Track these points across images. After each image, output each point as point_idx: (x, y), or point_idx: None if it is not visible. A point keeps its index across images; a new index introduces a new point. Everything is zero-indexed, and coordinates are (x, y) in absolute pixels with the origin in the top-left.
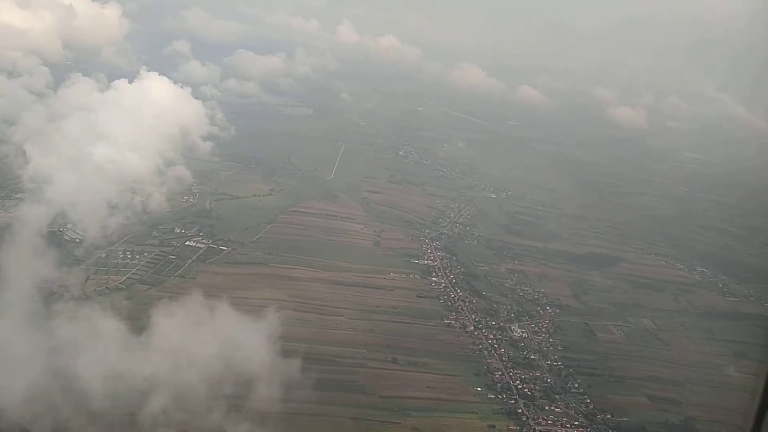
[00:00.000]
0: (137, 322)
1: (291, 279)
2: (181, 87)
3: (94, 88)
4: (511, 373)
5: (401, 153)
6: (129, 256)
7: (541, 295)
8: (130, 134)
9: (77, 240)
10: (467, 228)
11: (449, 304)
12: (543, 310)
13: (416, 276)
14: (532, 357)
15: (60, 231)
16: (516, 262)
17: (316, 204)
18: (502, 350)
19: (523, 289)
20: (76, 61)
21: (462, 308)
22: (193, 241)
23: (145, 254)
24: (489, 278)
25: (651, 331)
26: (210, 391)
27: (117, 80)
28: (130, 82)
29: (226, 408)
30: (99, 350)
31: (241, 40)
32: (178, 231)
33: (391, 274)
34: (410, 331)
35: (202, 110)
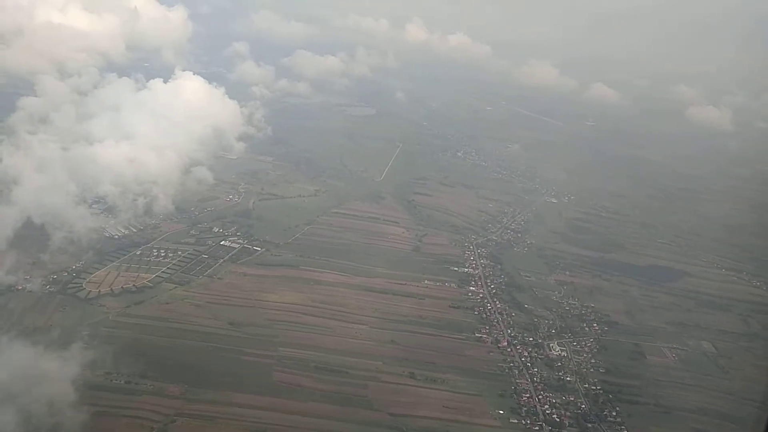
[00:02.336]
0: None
1: (318, 283)
2: (216, 87)
3: (132, 88)
4: (540, 396)
5: (460, 154)
6: (162, 254)
7: (589, 311)
8: (165, 133)
9: (116, 237)
10: (519, 234)
11: (484, 316)
12: (589, 327)
13: (453, 285)
14: (568, 379)
15: (101, 228)
16: (567, 272)
17: (359, 205)
18: (535, 370)
19: (569, 303)
20: (138, 61)
21: (497, 321)
22: (229, 241)
23: (179, 252)
24: (534, 290)
25: (710, 356)
26: None
27: (152, 80)
28: (165, 82)
29: None
30: None
31: (306, 41)
32: (216, 230)
33: (426, 281)
34: (435, 343)
35: (237, 110)
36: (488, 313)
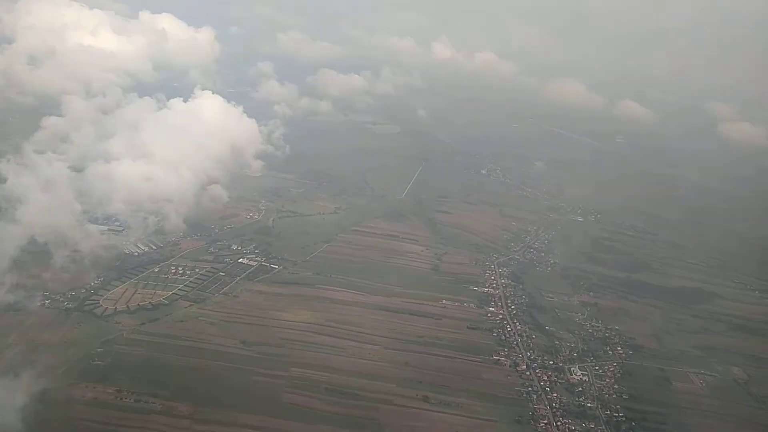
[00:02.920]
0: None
1: (333, 302)
2: (235, 105)
3: (152, 107)
4: (559, 423)
5: (484, 171)
6: (180, 272)
7: (613, 333)
8: (183, 151)
9: (135, 254)
10: (542, 254)
11: (503, 338)
12: (612, 351)
13: (471, 305)
14: (589, 405)
15: (121, 245)
16: (591, 293)
17: (379, 223)
18: (555, 395)
19: (593, 326)
20: (166, 81)
21: (517, 344)
22: (246, 259)
23: (197, 270)
24: (556, 311)
25: (741, 384)
26: None
27: (172, 99)
28: (185, 101)
29: None
30: None
31: (332, 60)
32: (235, 247)
33: (444, 301)
34: (451, 366)
35: (256, 128)
36: (507, 335)
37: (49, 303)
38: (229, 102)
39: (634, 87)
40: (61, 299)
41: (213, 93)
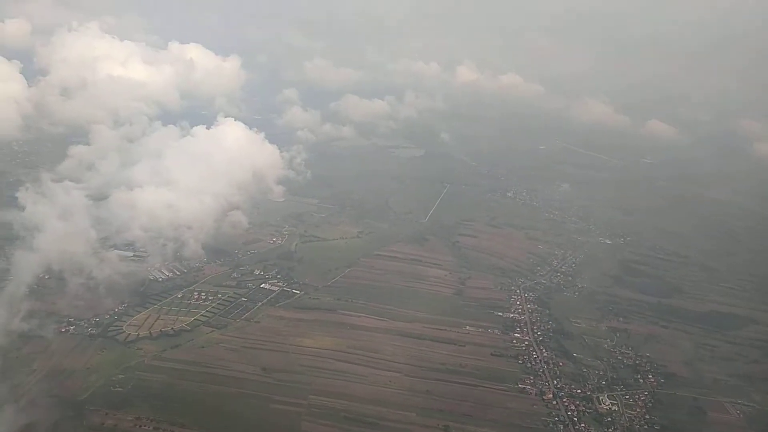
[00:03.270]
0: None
1: (354, 327)
2: (257, 132)
3: (176, 135)
4: None
5: (509, 194)
6: (203, 297)
7: (644, 361)
8: (204, 178)
9: (159, 279)
10: (569, 278)
11: (529, 365)
12: (643, 379)
13: (496, 331)
14: None
15: (147, 271)
16: (621, 319)
17: (402, 247)
18: (582, 425)
19: (623, 352)
20: (193, 109)
21: (543, 371)
22: (269, 284)
23: (219, 295)
24: (584, 337)
25: None
26: None
27: (195, 127)
28: (208, 128)
29: None
30: None
31: (356, 86)
32: (258, 273)
33: (467, 327)
34: (474, 394)
35: (278, 154)
36: (533, 362)
37: (73, 329)
38: (252, 128)
39: (663, 106)
40: (85, 325)
41: (236, 120)
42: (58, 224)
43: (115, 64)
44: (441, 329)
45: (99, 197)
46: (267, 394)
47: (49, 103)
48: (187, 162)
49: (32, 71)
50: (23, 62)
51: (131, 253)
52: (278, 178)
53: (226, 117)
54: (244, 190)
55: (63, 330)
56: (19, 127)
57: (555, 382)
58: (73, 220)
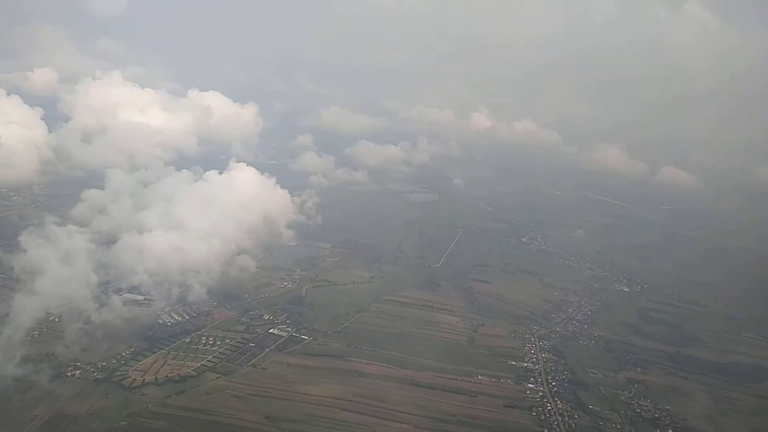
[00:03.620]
0: None
1: (362, 375)
2: (268, 177)
3: (189, 179)
4: None
5: (524, 239)
6: (210, 342)
7: (663, 414)
8: (214, 222)
9: (168, 324)
10: (585, 326)
11: (543, 417)
12: None
13: (509, 381)
14: None
15: (156, 315)
16: (639, 369)
17: (414, 293)
18: None
19: (641, 405)
20: (209, 154)
21: (558, 424)
22: (277, 329)
23: (227, 341)
24: (600, 388)
25: None
26: None
27: (207, 171)
28: (220, 173)
29: None
30: None
31: (371, 132)
32: (267, 317)
33: (479, 376)
34: None
35: (288, 198)
36: (548, 414)
37: (79, 374)
38: (264, 173)
39: (676, 151)
40: (91, 369)
41: (247, 165)
42: (63, 268)
43: (135, 110)
44: (452, 378)
45: (109, 241)
46: None
47: (69, 148)
48: (197, 206)
49: (56, 117)
50: (49, 109)
51: (141, 297)
52: (289, 223)
53: (238, 162)
54: (254, 235)
55: (69, 374)
56: (38, 172)
57: None
58: (78, 263)
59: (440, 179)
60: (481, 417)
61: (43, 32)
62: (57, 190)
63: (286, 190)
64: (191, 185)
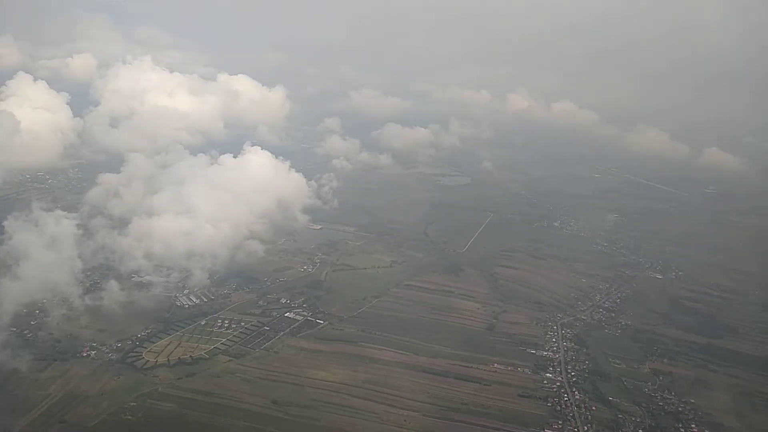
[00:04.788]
0: None
1: (374, 361)
2: (282, 161)
3: (204, 163)
4: None
5: (557, 224)
6: (226, 325)
7: (688, 408)
8: (227, 206)
9: (186, 306)
10: (612, 314)
11: (558, 408)
12: (685, 428)
13: (526, 370)
14: None
15: (174, 297)
16: (665, 360)
17: (435, 278)
18: None
19: (665, 398)
20: (235, 137)
21: (573, 416)
22: (293, 313)
23: (242, 324)
24: (623, 379)
25: None
26: None
27: (222, 155)
28: (234, 156)
29: None
30: None
31: (401, 114)
32: (284, 301)
33: (495, 364)
34: None
35: (304, 183)
36: (564, 405)
37: (95, 354)
38: (280, 158)
39: (720, 132)
40: (106, 350)
41: (263, 149)
42: (69, 251)
43: (163, 95)
44: (467, 366)
45: (121, 224)
46: (275, 429)
47: (96, 132)
48: (209, 190)
49: (87, 102)
50: (84, 94)
51: (163, 279)
52: (304, 207)
53: (253, 146)
54: (266, 219)
55: (85, 354)
56: (60, 156)
57: (585, 428)
58: (93, 247)
59: (472, 162)
60: (492, 406)
61: (86, 20)
62: (90, 174)
63: (301, 174)
64: (205, 169)
